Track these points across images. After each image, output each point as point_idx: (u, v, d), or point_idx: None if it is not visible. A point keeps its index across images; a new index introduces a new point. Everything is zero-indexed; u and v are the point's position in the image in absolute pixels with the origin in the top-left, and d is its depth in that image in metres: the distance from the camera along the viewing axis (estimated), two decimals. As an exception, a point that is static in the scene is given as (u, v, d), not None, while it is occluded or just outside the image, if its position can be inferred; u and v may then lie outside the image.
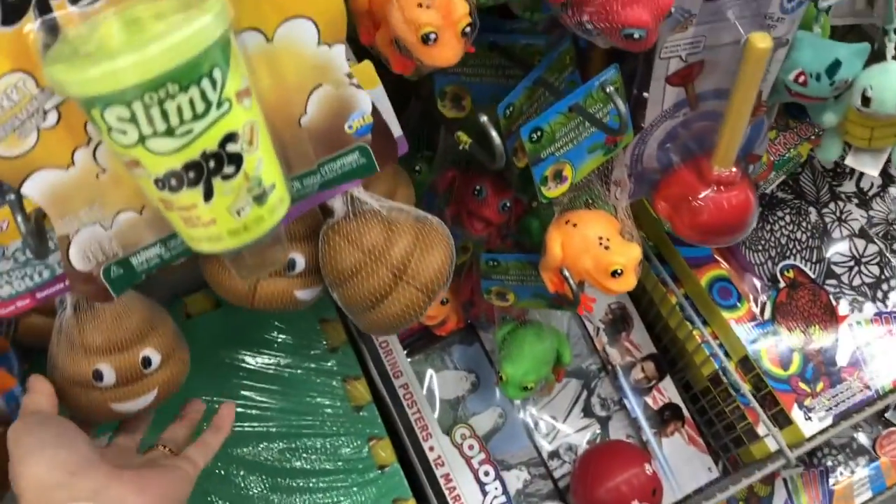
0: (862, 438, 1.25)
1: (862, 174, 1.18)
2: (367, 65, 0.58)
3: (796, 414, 1.00)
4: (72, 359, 0.54)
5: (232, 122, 0.37)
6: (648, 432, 1.11)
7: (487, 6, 0.64)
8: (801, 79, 0.76)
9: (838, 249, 1.12)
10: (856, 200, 1.16)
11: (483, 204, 0.84)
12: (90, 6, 0.37)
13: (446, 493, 1.01)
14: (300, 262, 0.63)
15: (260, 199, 0.39)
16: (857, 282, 1.10)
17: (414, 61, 0.60)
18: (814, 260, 1.11)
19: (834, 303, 1.08)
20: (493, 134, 0.64)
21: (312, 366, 1.04)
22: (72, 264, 0.42)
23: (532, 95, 0.78)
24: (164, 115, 0.34)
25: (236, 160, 0.37)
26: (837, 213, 1.15)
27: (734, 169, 0.79)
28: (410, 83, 0.84)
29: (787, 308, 1.06)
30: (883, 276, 1.11)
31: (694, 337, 1.07)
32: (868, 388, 1.03)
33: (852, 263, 1.12)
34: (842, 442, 1.23)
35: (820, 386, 1.02)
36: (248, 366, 1.02)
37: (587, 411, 1.12)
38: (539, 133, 0.72)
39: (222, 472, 0.96)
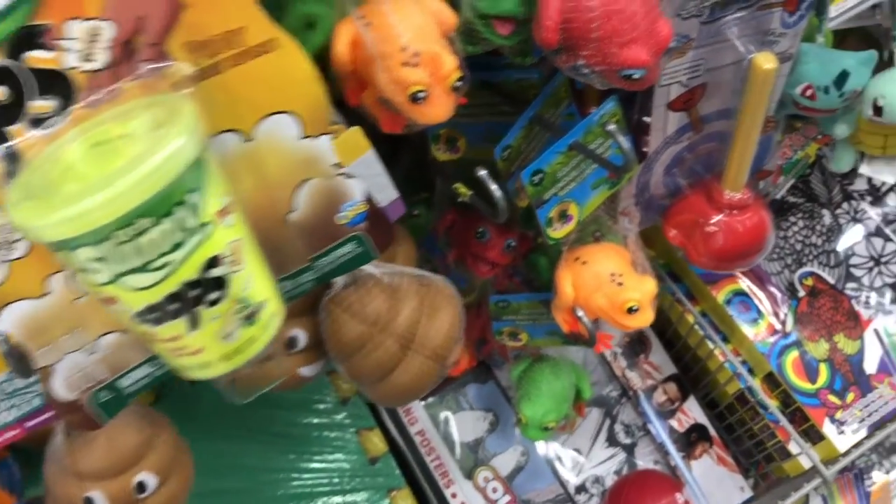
0: (894, 436, 1.21)
1: (873, 169, 1.15)
2: (356, 131, 0.55)
3: (828, 429, 0.97)
4: (63, 484, 0.51)
5: (214, 246, 0.34)
6: (676, 456, 1.07)
7: (476, 53, 0.60)
8: (809, 92, 0.73)
9: (856, 249, 1.09)
10: (869, 198, 1.12)
11: (487, 246, 0.80)
12: (53, 127, 0.34)
13: (473, 540, 0.98)
14: (302, 338, 0.60)
15: (251, 318, 0.36)
16: (877, 283, 1.06)
17: (404, 119, 0.57)
18: (831, 264, 1.07)
19: (857, 307, 1.04)
20: (493, 187, 0.60)
21: (324, 420, 1.01)
22: (56, 395, 0.39)
23: (529, 134, 0.74)
24: (138, 250, 0.31)
25: (221, 284, 0.34)
26: (852, 213, 1.11)
27: (745, 191, 0.75)
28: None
29: (808, 318, 1.03)
30: (904, 275, 1.07)
31: (715, 356, 1.03)
32: (901, 394, 0.99)
33: (871, 264, 1.08)
34: (874, 441, 1.20)
35: (850, 397, 0.98)
36: (256, 425, 0.98)
37: (612, 440, 1.09)
38: (540, 175, 0.69)
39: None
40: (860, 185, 1.14)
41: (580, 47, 0.54)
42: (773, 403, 0.99)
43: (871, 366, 1.00)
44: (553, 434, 0.94)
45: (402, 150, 0.87)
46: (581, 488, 1.06)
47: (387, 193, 0.58)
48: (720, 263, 0.79)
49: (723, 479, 1.08)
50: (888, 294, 1.06)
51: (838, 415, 0.97)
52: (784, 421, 0.97)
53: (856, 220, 1.11)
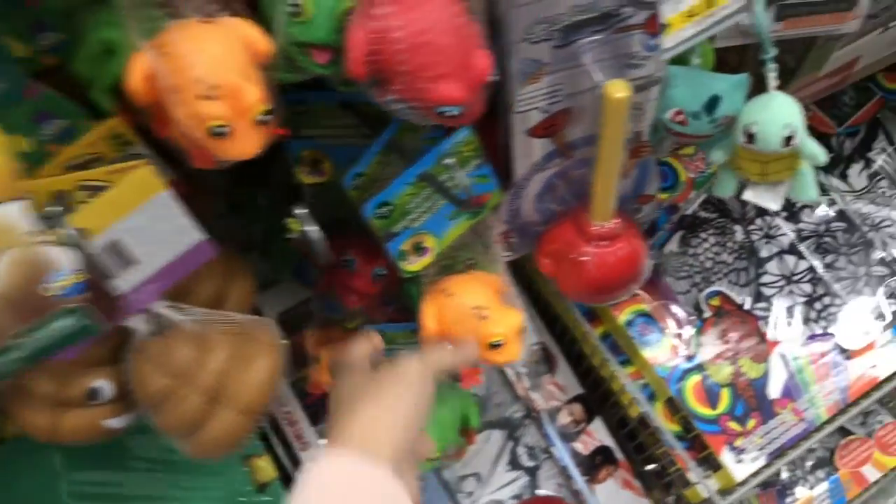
0: (819, 450, 1.19)
1: (789, 183, 1.11)
2: (145, 171, 0.51)
3: (727, 457, 0.93)
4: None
5: None
6: (579, 480, 1.04)
7: (291, 82, 0.56)
8: (680, 118, 0.69)
9: (768, 268, 1.05)
10: (784, 213, 1.09)
11: (353, 275, 0.77)
12: None
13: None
14: (106, 389, 0.56)
15: None
16: (788, 302, 1.03)
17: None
18: (741, 283, 1.04)
19: (764, 329, 1.01)
20: (310, 228, 0.56)
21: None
22: None
23: (385, 160, 0.70)
24: None
25: None
26: (766, 230, 1.08)
27: (615, 221, 0.71)
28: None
29: (712, 340, 0.99)
30: (815, 294, 1.04)
31: (617, 378, 1.00)
32: (803, 419, 0.96)
33: (783, 283, 1.05)
34: (799, 454, 1.17)
35: (751, 423, 0.95)
36: (135, 453, 0.94)
37: (514, 463, 1.05)
38: (388, 208, 0.65)
39: None
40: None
41: (390, 81, 0.50)
42: (672, 429, 0.96)
43: (774, 390, 0.97)
44: (437, 464, 0.90)
45: (273, 169, 0.83)
46: (480, 513, 1.02)
47: (188, 236, 0.54)
48: (590, 296, 0.75)
49: (628, 503, 1.04)
50: (797, 314, 1.02)
51: (738, 442, 0.94)
52: (679, 449, 0.94)
53: (769, 237, 1.07)
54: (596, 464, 1.05)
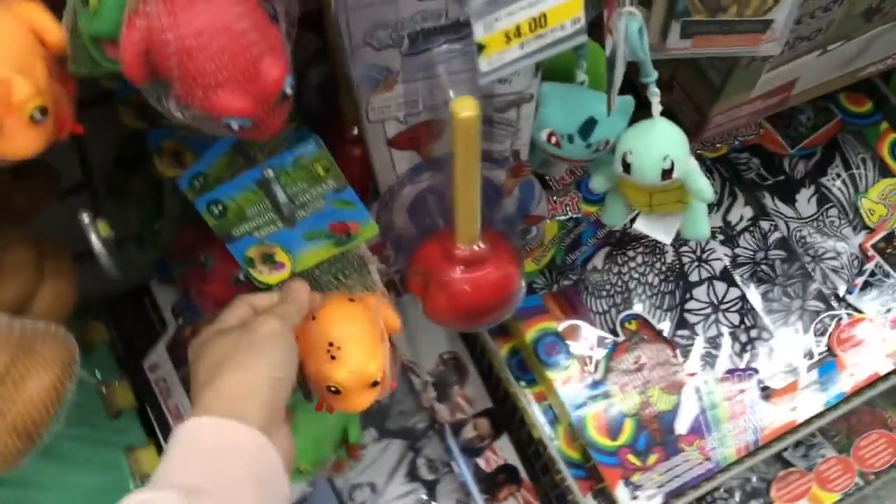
0: (755, 480, 1.14)
1: (732, 202, 1.05)
2: None
3: (621, 493, 0.89)
4: None
5: None
6: (478, 498, 1.00)
7: (84, 76, 0.51)
8: (553, 139, 0.64)
9: (695, 293, 0.99)
10: (721, 237, 1.03)
11: (210, 277, 0.72)
12: None
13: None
14: None
15: None
16: (712, 332, 0.97)
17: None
18: (664, 307, 0.98)
19: (681, 359, 0.95)
20: (93, 239, 0.51)
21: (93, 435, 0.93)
22: None
23: (231, 161, 0.65)
24: None
25: None
26: (698, 252, 1.01)
27: (482, 245, 0.66)
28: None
29: (623, 366, 0.94)
30: (742, 326, 0.98)
31: (520, 397, 0.95)
32: (708, 459, 0.91)
33: (709, 311, 0.99)
34: (736, 483, 1.12)
35: (653, 458, 0.90)
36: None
37: (412, 475, 1.01)
38: (220, 207, 0.60)
39: None
40: (714, 220, 1.04)
41: (171, 86, 0.45)
42: (570, 456, 0.92)
43: (682, 425, 0.92)
44: (311, 477, 0.86)
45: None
46: (371, 524, 0.99)
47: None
48: (454, 321, 0.70)
49: (527, 526, 1.00)
50: (720, 346, 0.97)
51: (635, 477, 0.89)
52: (571, 479, 0.89)
53: (701, 261, 1.01)
54: (498, 482, 1.01)
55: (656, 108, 0.61)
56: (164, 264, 0.77)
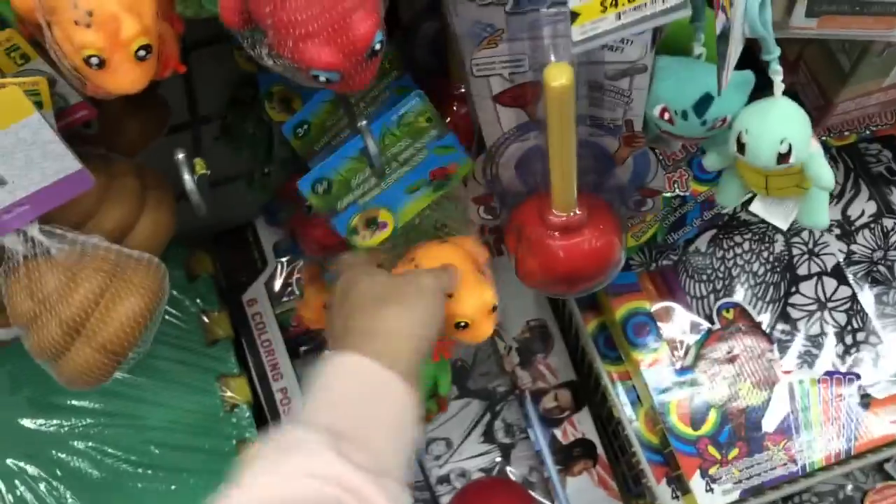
0: (850, 489, 1.09)
1: (854, 195, 0.99)
2: (12, 90, 0.50)
3: (696, 483, 0.86)
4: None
5: None
6: (551, 468, 1.00)
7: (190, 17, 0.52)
8: (667, 116, 0.61)
9: (801, 287, 0.94)
10: (837, 231, 0.97)
11: (312, 222, 0.73)
12: None
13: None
14: (-17, 298, 0.56)
15: None
16: (814, 330, 0.92)
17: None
18: (767, 299, 0.94)
19: (778, 354, 0.91)
20: (186, 178, 0.53)
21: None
22: None
23: (336, 110, 0.66)
24: None
25: None
26: (810, 245, 0.96)
27: (578, 212, 0.65)
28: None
29: (715, 355, 0.91)
30: (849, 327, 0.92)
31: (603, 372, 0.93)
32: (793, 461, 0.87)
33: (815, 307, 0.94)
34: (828, 489, 1.08)
35: (734, 453, 0.87)
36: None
37: (488, 436, 1.02)
38: (325, 184, 0.61)
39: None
40: (832, 213, 0.98)
41: (265, 33, 0.46)
42: (649, 440, 0.91)
43: (770, 423, 0.88)
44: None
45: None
46: (444, 479, 1.00)
47: (63, 164, 0.52)
48: (540, 285, 0.70)
49: (598, 502, 0.99)
50: (824, 346, 0.92)
51: (713, 470, 0.86)
52: (647, 463, 0.87)
53: (812, 254, 0.96)
54: (573, 455, 1.01)
55: (778, 87, 0.57)
56: (272, 206, 0.80)
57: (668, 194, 0.96)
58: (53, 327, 0.53)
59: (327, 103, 0.65)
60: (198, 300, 0.99)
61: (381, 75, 0.67)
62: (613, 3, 0.43)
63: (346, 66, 0.45)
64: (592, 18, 0.44)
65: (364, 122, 0.60)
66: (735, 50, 0.53)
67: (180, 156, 0.53)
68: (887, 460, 1.03)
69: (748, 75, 0.60)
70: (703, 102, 0.60)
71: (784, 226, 0.67)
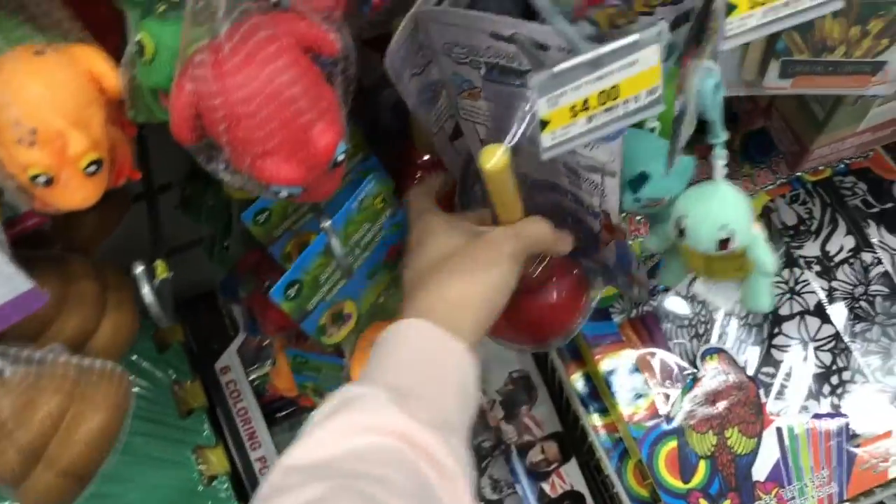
0: None
1: (832, 231, 0.98)
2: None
3: (689, 538, 0.85)
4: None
5: None
6: (541, 523, 0.97)
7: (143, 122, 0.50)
8: (605, 181, 0.59)
9: (784, 328, 0.93)
10: (817, 267, 0.96)
11: (271, 305, 0.70)
12: None
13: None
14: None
15: None
16: (800, 371, 0.91)
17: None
18: (750, 341, 0.93)
19: (764, 398, 0.90)
20: (145, 290, 0.50)
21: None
22: None
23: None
24: None
25: None
26: (791, 283, 0.95)
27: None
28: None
29: (700, 403, 0.89)
30: (834, 367, 0.91)
31: (589, 427, 0.92)
32: (787, 510, 0.86)
33: (799, 348, 0.92)
34: None
35: (726, 504, 0.86)
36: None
37: (476, 494, 0.99)
38: (297, 287, 0.59)
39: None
40: (811, 249, 0.97)
41: (220, 150, 0.43)
42: (639, 494, 0.88)
43: (760, 472, 0.87)
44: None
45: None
46: (432, 540, 0.98)
47: (13, 284, 0.49)
48: (504, 338, 0.68)
49: (589, 555, 0.98)
50: (808, 387, 0.90)
51: (705, 523, 0.85)
52: (636, 520, 0.86)
53: (794, 293, 0.95)
54: (562, 509, 0.98)
55: (719, 172, 0.55)
56: (231, 281, 0.77)
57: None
58: (11, 454, 0.50)
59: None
60: (169, 371, 0.96)
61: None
62: (584, 106, 0.41)
63: (308, 180, 0.43)
64: (563, 124, 0.42)
65: (328, 223, 0.58)
66: (686, 134, 0.52)
67: (139, 269, 0.50)
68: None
69: (690, 161, 0.58)
70: (639, 180, 0.58)
71: (725, 308, 0.65)
